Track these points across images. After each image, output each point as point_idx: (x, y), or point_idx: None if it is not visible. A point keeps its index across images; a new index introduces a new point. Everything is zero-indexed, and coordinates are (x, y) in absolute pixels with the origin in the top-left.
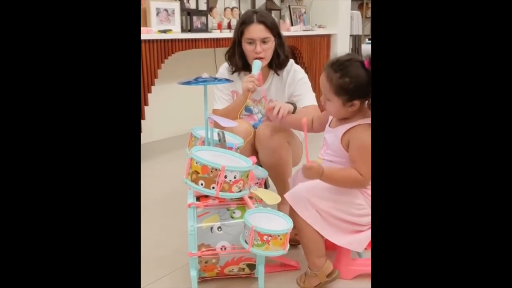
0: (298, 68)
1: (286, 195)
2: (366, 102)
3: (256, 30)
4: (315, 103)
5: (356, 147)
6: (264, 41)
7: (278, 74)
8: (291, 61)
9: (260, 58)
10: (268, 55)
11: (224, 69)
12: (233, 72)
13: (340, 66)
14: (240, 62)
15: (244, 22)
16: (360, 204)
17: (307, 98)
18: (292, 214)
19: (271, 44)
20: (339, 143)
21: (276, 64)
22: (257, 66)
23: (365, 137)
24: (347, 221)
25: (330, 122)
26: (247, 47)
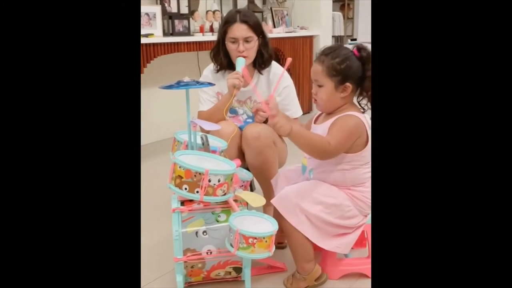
0: (285, 73)
1: (273, 201)
2: (357, 97)
3: (239, 29)
4: (299, 115)
5: (336, 125)
6: (247, 40)
7: (261, 73)
8: (276, 64)
9: (243, 57)
10: (251, 54)
11: (208, 71)
12: (217, 71)
13: (331, 49)
14: (225, 60)
15: (227, 22)
16: (348, 206)
17: (291, 110)
18: (280, 219)
19: (254, 44)
20: (327, 134)
21: (260, 63)
22: (240, 63)
23: (349, 120)
24: (336, 225)
25: (316, 119)
26: (230, 46)
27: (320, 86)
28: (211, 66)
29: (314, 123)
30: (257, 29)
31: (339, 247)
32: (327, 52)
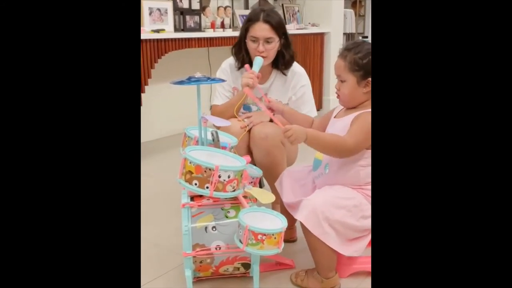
0: (303, 72)
1: (298, 217)
2: None
3: (261, 29)
4: (313, 115)
5: (357, 122)
6: (267, 41)
7: (284, 74)
8: (295, 63)
9: (262, 57)
10: (271, 55)
11: (227, 64)
12: (239, 68)
13: (353, 44)
14: (246, 58)
15: (250, 20)
16: (366, 204)
17: (305, 109)
18: (306, 233)
19: (275, 45)
20: (346, 130)
21: (281, 63)
22: (258, 62)
23: (369, 117)
24: (356, 227)
25: (337, 114)
26: (250, 45)
27: (342, 81)
28: (232, 60)
29: (334, 117)
30: (280, 30)
31: (357, 251)
32: (350, 47)
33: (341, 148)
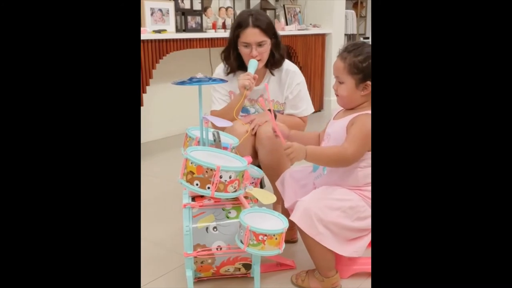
0: (298, 70)
1: (293, 219)
2: None
3: (252, 34)
4: (310, 112)
5: (356, 127)
6: (260, 44)
7: (273, 74)
8: (288, 61)
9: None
10: (265, 57)
11: (220, 69)
12: (228, 73)
13: (354, 46)
14: (235, 64)
15: (239, 26)
16: (363, 206)
17: (302, 107)
18: (302, 234)
19: (267, 47)
20: (344, 131)
21: (271, 63)
22: (253, 65)
23: (367, 121)
24: (353, 228)
25: (335, 116)
26: (243, 50)
27: (341, 82)
28: (222, 65)
29: (333, 118)
30: (270, 31)
31: (356, 252)
32: (350, 49)
33: (342, 158)
